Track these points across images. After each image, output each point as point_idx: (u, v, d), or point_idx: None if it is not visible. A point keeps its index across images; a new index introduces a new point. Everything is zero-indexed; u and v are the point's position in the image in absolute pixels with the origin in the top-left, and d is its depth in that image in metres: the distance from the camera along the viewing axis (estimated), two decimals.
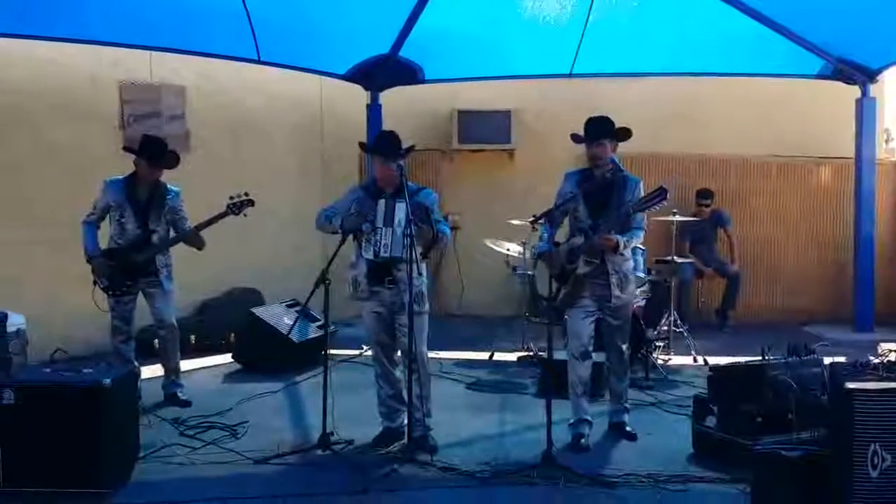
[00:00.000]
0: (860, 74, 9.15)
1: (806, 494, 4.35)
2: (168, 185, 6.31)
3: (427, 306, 5.49)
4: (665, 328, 8.12)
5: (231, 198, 6.19)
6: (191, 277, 6.79)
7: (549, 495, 4.61)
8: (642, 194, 5.42)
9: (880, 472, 4.07)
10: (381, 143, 5.42)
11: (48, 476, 4.37)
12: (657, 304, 8.15)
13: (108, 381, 4.43)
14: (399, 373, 5.46)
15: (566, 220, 5.68)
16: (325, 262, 5.32)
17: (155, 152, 6.19)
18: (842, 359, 6.01)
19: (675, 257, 8.29)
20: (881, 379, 4.52)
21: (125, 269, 6.19)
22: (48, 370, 4.76)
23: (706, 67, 9.44)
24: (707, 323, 9.83)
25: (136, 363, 6.33)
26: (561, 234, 5.76)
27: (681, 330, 8.16)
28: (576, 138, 5.53)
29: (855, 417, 4.10)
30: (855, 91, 9.26)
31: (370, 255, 5.26)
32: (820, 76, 9.33)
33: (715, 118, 10.16)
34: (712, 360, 7.63)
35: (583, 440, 5.40)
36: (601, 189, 5.44)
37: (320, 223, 5.46)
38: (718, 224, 9.97)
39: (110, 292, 6.25)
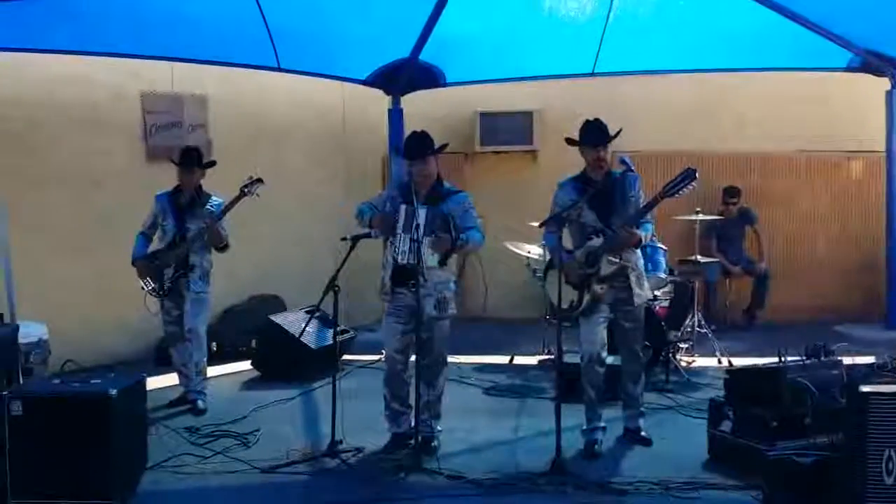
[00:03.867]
0: (889, 66, 8.93)
1: (818, 501, 4.25)
2: (213, 196, 6.50)
3: (451, 311, 5.46)
4: (689, 329, 7.99)
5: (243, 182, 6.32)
6: (215, 283, 6.84)
7: (555, 502, 4.55)
8: (641, 191, 5.44)
9: (895, 479, 3.95)
10: (408, 145, 5.44)
11: (55, 487, 4.39)
12: (680, 304, 8.03)
13: (114, 391, 4.45)
14: (409, 377, 5.40)
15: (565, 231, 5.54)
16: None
17: (183, 158, 6.48)
18: (866, 359, 5.87)
19: (698, 257, 8.16)
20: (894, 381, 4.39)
21: (164, 269, 6.39)
22: (57, 381, 4.79)
23: (731, 63, 9.28)
24: (735, 323, 9.67)
25: (189, 367, 6.47)
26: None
27: (705, 331, 8.02)
28: (571, 142, 5.45)
29: (869, 421, 4.00)
30: (884, 83, 9.04)
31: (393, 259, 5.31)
32: (849, 69, 9.12)
33: (740, 114, 9.98)
34: (738, 362, 7.52)
35: (596, 447, 5.34)
36: (603, 191, 5.36)
37: (355, 216, 5.51)
38: (746, 222, 9.81)
39: (156, 294, 6.45)
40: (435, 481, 4.86)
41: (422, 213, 5.16)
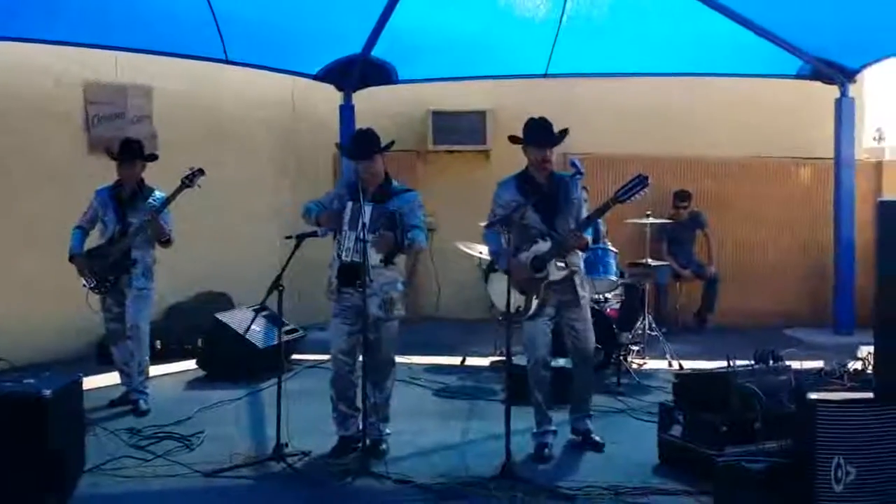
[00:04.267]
0: (839, 74, 9.06)
1: None
2: (156, 190, 6.32)
3: (399, 312, 5.36)
4: (640, 332, 8.00)
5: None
6: (159, 280, 6.66)
7: None
8: (585, 193, 5.46)
9: (844, 486, 3.96)
10: (354, 144, 5.33)
11: None
12: (631, 307, 8.04)
13: (48, 392, 4.27)
14: (356, 378, 5.28)
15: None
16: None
17: (121, 151, 6.27)
18: (814, 364, 5.93)
19: (649, 260, 8.16)
20: (846, 389, 4.41)
21: (105, 265, 6.21)
22: None
23: (684, 68, 9.34)
24: (686, 326, 9.73)
25: (130, 366, 6.30)
26: None
27: (656, 334, 8.03)
28: (515, 140, 5.32)
29: (817, 429, 3.99)
30: (834, 91, 9.15)
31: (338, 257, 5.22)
32: (799, 76, 9.23)
33: (693, 119, 10.04)
34: (689, 365, 7.54)
35: (546, 450, 5.28)
36: (546, 191, 5.28)
37: (302, 214, 5.38)
38: (696, 226, 9.87)
39: (97, 291, 6.28)
40: (382, 486, 4.74)
41: (367, 211, 5.06)
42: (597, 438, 5.45)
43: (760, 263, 10.18)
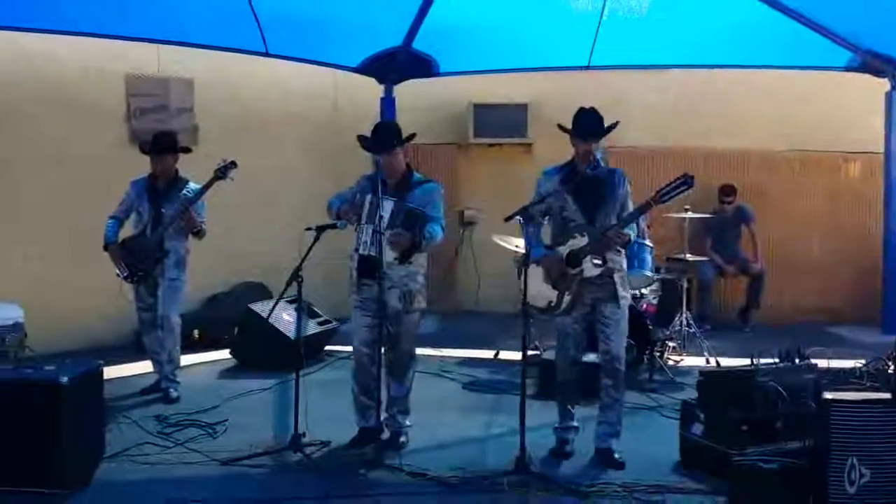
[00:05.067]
0: (889, 66, 8.78)
1: None
2: (190, 182, 6.42)
3: (419, 305, 5.34)
4: (677, 328, 7.88)
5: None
6: (199, 271, 6.81)
7: (516, 503, 4.46)
8: (629, 188, 5.16)
9: (858, 489, 3.86)
10: (373, 137, 5.28)
11: (7, 476, 4.32)
12: (668, 303, 7.92)
13: (65, 379, 4.37)
14: (377, 370, 5.23)
15: (548, 223, 5.34)
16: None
17: (153, 145, 6.38)
18: (845, 363, 5.76)
19: (687, 255, 8.03)
20: (863, 389, 4.28)
21: (138, 255, 6.32)
22: (10, 367, 4.72)
23: (729, 60, 9.17)
24: (730, 323, 9.55)
25: (161, 355, 6.41)
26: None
27: (693, 330, 7.90)
28: (563, 129, 5.15)
29: (832, 430, 3.89)
30: (884, 84, 8.88)
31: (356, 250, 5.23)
32: (848, 68, 8.97)
33: (738, 112, 9.84)
34: (727, 363, 7.40)
35: (567, 446, 5.20)
36: (590, 184, 5.07)
37: (326, 209, 5.42)
38: (742, 221, 9.67)
39: (130, 280, 6.39)
40: (396, 478, 4.76)
41: (387, 206, 5.05)
42: (619, 458, 5.06)
43: (807, 260, 9.95)
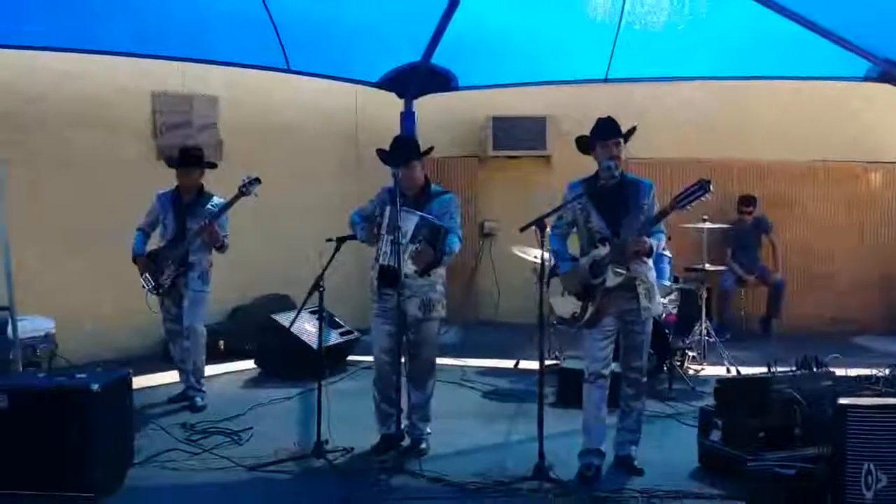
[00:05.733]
0: None
1: None
2: (214, 196, 6.56)
3: (439, 313, 5.42)
4: (698, 338, 7.91)
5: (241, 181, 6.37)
6: (223, 283, 6.95)
7: None
8: (655, 199, 5.11)
9: (875, 494, 3.89)
10: (391, 150, 5.38)
11: (39, 481, 4.45)
12: (688, 312, 7.96)
13: (96, 385, 4.50)
14: (397, 378, 5.29)
15: (575, 235, 5.31)
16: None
17: (179, 159, 6.54)
18: (864, 371, 5.77)
19: (706, 265, 8.07)
20: (880, 394, 4.31)
21: (163, 267, 6.46)
22: (42, 375, 4.85)
23: (748, 71, 9.13)
24: (751, 333, 9.57)
25: (187, 364, 6.55)
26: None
27: (713, 340, 7.93)
28: (582, 143, 5.13)
29: (848, 435, 3.93)
30: None
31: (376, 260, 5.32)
32: (867, 78, 8.92)
33: (758, 122, 9.88)
34: (747, 372, 7.41)
35: (590, 472, 4.95)
36: (613, 194, 5.05)
37: (349, 225, 5.53)
38: (761, 230, 9.71)
39: (155, 292, 6.53)
40: (416, 483, 4.86)
41: (407, 218, 5.12)
42: (638, 466, 5.10)
43: (829, 269, 9.97)
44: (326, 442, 5.25)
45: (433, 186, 5.45)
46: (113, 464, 4.75)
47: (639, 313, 5.04)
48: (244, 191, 6.31)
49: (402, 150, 5.32)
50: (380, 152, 5.42)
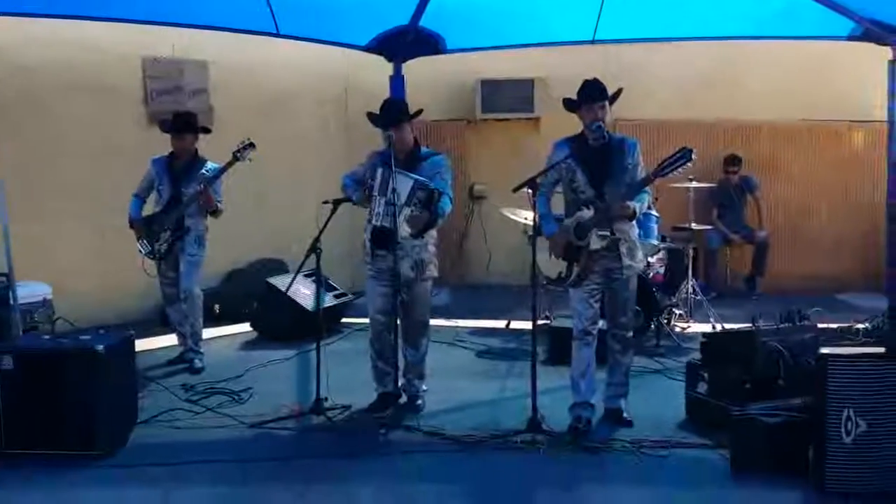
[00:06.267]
0: (891, 35, 8.84)
1: (783, 460, 4.37)
2: (208, 161, 6.62)
3: (431, 273, 5.54)
4: (684, 296, 8.08)
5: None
6: (218, 247, 7.06)
7: (528, 460, 4.70)
8: (640, 157, 5.19)
9: (854, 439, 4.06)
10: (381, 113, 5.46)
11: (47, 439, 4.60)
12: (675, 271, 8.12)
13: (101, 347, 4.62)
14: (393, 337, 5.46)
15: (560, 195, 5.39)
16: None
17: (173, 124, 6.61)
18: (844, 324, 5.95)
19: (692, 224, 8.21)
20: (858, 344, 4.48)
21: (159, 232, 6.57)
22: (47, 337, 4.97)
23: (733, 31, 9.20)
24: (737, 291, 9.75)
25: (184, 327, 6.68)
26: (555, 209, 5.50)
27: (699, 298, 8.10)
28: (569, 103, 5.19)
29: (828, 383, 4.10)
30: (887, 52, 8.97)
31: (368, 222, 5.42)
32: (850, 38, 9.02)
33: (743, 83, 9.95)
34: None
35: (581, 424, 5.08)
36: (598, 155, 5.11)
37: (341, 189, 5.61)
38: (747, 190, 9.85)
39: (152, 257, 6.64)
40: (414, 437, 5.03)
41: (405, 182, 5.20)
42: (627, 417, 5.27)
43: (812, 228, 10.12)
44: (325, 399, 5.40)
45: (423, 148, 5.55)
46: (119, 422, 4.89)
47: (622, 271, 5.18)
48: (238, 156, 6.39)
49: (392, 112, 5.40)
50: (370, 115, 5.50)
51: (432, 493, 4.35)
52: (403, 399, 5.58)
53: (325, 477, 4.52)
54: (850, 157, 10.08)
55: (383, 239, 5.30)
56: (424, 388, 5.70)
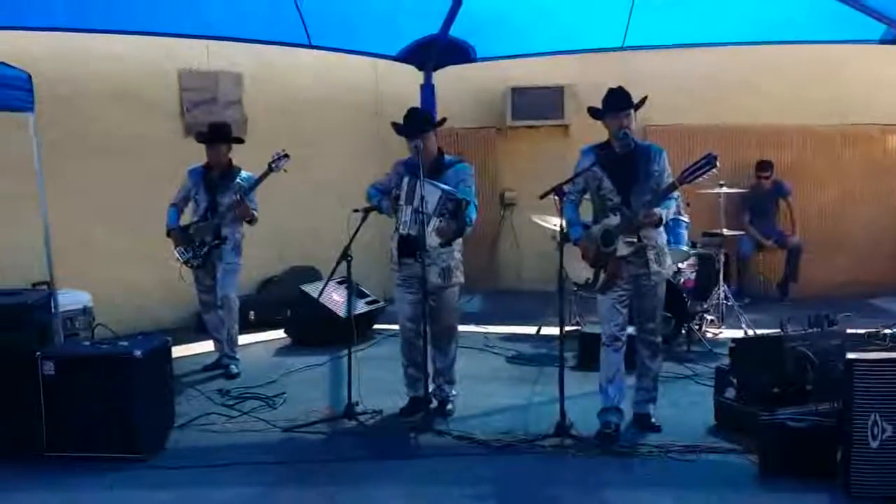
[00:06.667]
0: None
1: (811, 464, 4.38)
2: (242, 170, 6.77)
3: (457, 279, 5.61)
4: (715, 302, 8.07)
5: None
6: (253, 256, 7.21)
7: (555, 463, 4.75)
8: (667, 164, 5.22)
9: (881, 443, 4.07)
10: (404, 122, 5.53)
11: (88, 442, 4.75)
12: (706, 277, 8.12)
13: (139, 352, 4.75)
14: (423, 343, 5.50)
15: (587, 201, 5.46)
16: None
17: (208, 134, 6.77)
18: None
19: (724, 230, 8.21)
20: (886, 349, 4.48)
21: (199, 240, 6.70)
22: (87, 343, 5.11)
23: (764, 36, 9.20)
24: (769, 296, 9.71)
25: (221, 333, 6.82)
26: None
27: (731, 304, 8.08)
28: (594, 112, 5.26)
29: (855, 387, 4.11)
30: None
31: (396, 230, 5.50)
32: (883, 41, 8.98)
33: (775, 87, 9.92)
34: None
35: (609, 429, 5.12)
36: (625, 162, 5.15)
37: (367, 199, 5.71)
38: (779, 195, 9.82)
39: (189, 265, 6.78)
40: (443, 441, 5.11)
41: (433, 193, 5.25)
42: (655, 422, 5.30)
43: (846, 233, 10.05)
44: (357, 403, 5.49)
45: (446, 156, 5.62)
46: (157, 426, 5.03)
47: (650, 277, 5.19)
48: (273, 167, 6.50)
49: (416, 122, 5.48)
50: (395, 125, 5.57)
51: (461, 496, 4.40)
52: (434, 404, 5.65)
53: (355, 479, 4.61)
54: (884, 160, 10.01)
55: (410, 247, 5.38)
56: (454, 392, 5.77)
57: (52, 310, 5.43)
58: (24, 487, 4.51)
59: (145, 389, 4.80)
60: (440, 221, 5.28)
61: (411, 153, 5.46)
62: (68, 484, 4.54)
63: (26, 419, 4.76)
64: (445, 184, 5.38)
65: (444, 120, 5.59)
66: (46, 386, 4.74)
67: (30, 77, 5.72)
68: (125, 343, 4.96)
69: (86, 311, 7.18)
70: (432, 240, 5.28)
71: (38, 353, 4.77)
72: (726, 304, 8.09)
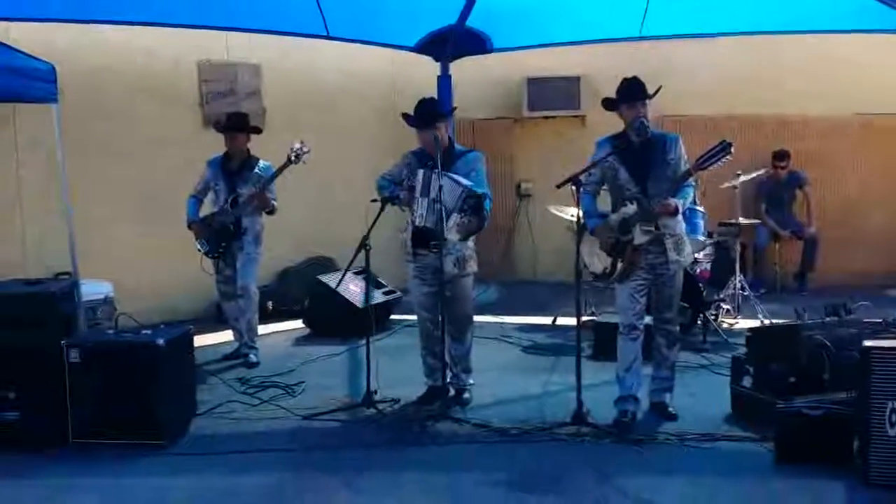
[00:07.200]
0: None
1: (827, 453, 4.40)
2: (261, 160, 6.83)
3: (472, 269, 5.64)
4: (731, 292, 8.08)
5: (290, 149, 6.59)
6: (271, 247, 7.28)
7: (572, 451, 4.79)
8: (683, 151, 5.22)
9: None
10: (415, 113, 5.55)
11: (111, 428, 4.83)
12: (723, 267, 8.13)
13: (162, 341, 4.83)
14: (441, 333, 5.56)
15: (606, 192, 5.47)
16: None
17: (226, 124, 6.86)
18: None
19: (740, 219, 8.21)
20: None
21: (218, 231, 6.78)
22: (111, 332, 5.19)
23: (783, 25, 9.14)
24: (786, 286, 9.70)
25: (240, 323, 6.88)
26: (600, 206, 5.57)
27: (747, 294, 8.09)
28: (609, 103, 5.26)
29: (872, 375, 4.13)
30: None
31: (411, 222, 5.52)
32: None
33: (792, 77, 9.88)
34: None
35: (626, 418, 5.14)
36: (640, 151, 5.15)
37: (377, 189, 5.72)
38: (796, 185, 9.80)
39: (210, 256, 6.86)
40: (461, 428, 5.16)
41: (455, 189, 5.28)
42: (672, 411, 5.32)
43: (863, 224, 10.02)
44: (375, 392, 5.55)
45: (457, 146, 5.67)
46: (179, 413, 5.11)
47: (668, 266, 5.21)
48: (293, 158, 6.55)
49: (427, 112, 5.50)
50: (405, 116, 5.59)
51: (478, 483, 4.44)
52: (451, 393, 5.70)
53: (374, 466, 4.67)
54: None
55: (424, 239, 5.42)
56: (471, 381, 5.82)
57: (76, 299, 5.47)
58: (51, 474, 4.58)
59: (168, 377, 4.87)
60: (461, 217, 5.32)
61: (421, 144, 5.48)
62: (93, 470, 4.61)
63: (52, 407, 4.83)
64: (456, 173, 5.41)
65: (453, 109, 5.62)
66: (71, 374, 4.82)
67: (53, 68, 5.77)
68: (148, 332, 5.03)
69: (107, 300, 7.26)
70: (452, 235, 5.33)
71: (63, 342, 4.84)
72: (742, 294, 8.10)
